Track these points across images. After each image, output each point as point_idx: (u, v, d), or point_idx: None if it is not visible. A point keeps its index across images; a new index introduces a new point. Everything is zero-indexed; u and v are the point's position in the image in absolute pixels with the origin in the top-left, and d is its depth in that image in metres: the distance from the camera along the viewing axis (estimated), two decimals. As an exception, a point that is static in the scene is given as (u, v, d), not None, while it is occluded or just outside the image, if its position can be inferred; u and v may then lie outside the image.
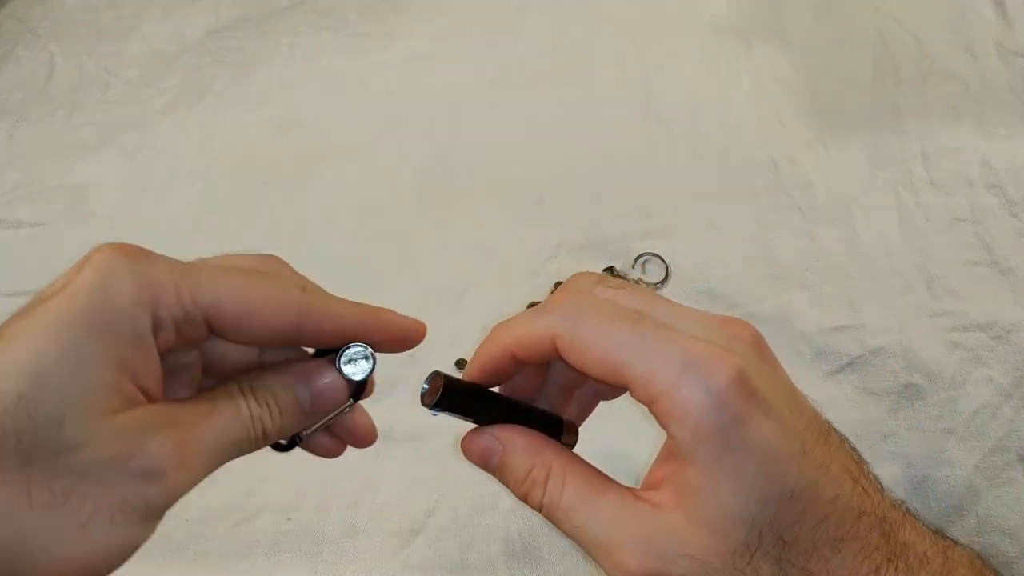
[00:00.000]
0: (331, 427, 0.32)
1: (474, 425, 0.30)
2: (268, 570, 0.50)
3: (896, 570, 0.26)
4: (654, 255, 0.61)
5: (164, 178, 0.74)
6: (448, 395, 0.28)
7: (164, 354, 0.26)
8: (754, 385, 0.25)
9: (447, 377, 0.29)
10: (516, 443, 0.29)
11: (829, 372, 0.53)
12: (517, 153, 0.70)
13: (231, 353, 0.30)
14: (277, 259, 0.30)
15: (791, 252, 0.59)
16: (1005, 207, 0.59)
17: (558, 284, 0.60)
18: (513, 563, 0.49)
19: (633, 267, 0.60)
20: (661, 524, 0.26)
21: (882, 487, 0.28)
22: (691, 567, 0.25)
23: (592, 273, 0.30)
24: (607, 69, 0.75)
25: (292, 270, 0.30)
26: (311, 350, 0.32)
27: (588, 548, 0.27)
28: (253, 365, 0.30)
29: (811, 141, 0.66)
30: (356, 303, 0.30)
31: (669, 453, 0.28)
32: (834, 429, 0.28)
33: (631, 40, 0.77)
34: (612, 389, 0.28)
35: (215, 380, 0.30)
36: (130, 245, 0.26)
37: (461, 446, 0.30)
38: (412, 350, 0.61)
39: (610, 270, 0.59)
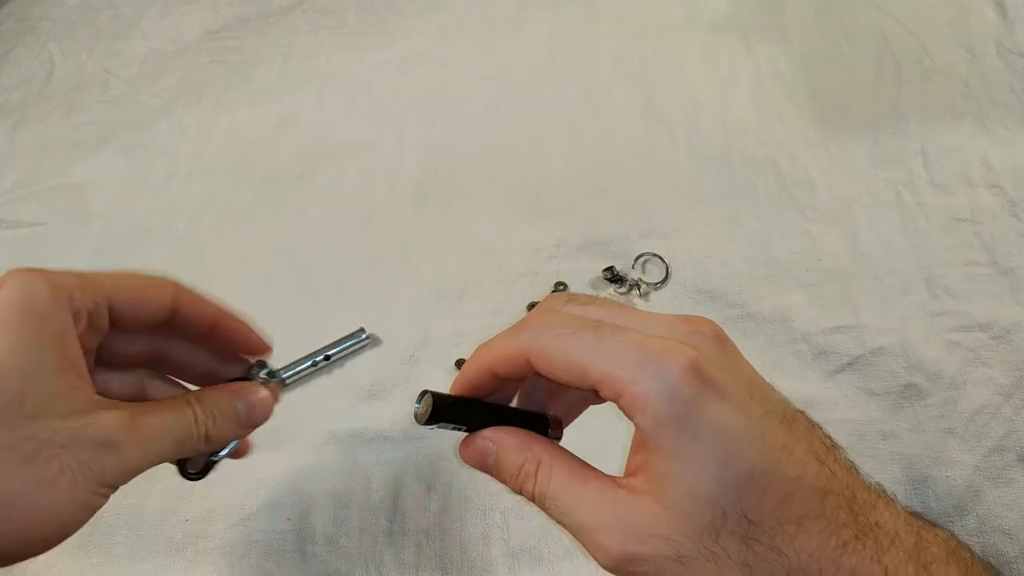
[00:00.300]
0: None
1: (467, 433, 0.32)
2: (268, 570, 0.50)
3: (864, 547, 0.27)
4: (654, 255, 0.61)
5: (163, 177, 0.74)
6: (438, 410, 0.31)
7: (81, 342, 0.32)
8: (708, 373, 0.27)
9: (435, 395, 0.31)
10: (507, 442, 0.31)
11: (829, 372, 0.53)
12: (517, 153, 0.70)
13: (112, 383, 0.37)
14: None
15: (791, 252, 0.59)
16: (1005, 207, 0.59)
17: (558, 284, 0.60)
18: (513, 563, 0.49)
19: (633, 267, 0.60)
20: (636, 508, 0.28)
21: (856, 470, 0.29)
22: (662, 547, 0.27)
23: (564, 294, 0.34)
24: (607, 68, 0.75)
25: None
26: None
27: (574, 533, 0.29)
28: (136, 395, 0.38)
29: (812, 140, 0.66)
30: (222, 307, 0.38)
31: (639, 443, 0.30)
32: (803, 416, 0.30)
33: (631, 39, 0.77)
34: (595, 395, 0.30)
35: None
36: (30, 268, 0.31)
37: (459, 452, 0.32)
38: (413, 350, 0.61)
39: (610, 270, 0.59)
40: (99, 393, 0.34)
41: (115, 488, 0.31)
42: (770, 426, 0.28)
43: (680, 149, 0.68)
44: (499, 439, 0.32)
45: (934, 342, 0.53)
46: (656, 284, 0.59)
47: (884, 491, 0.29)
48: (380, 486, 0.52)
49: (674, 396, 0.27)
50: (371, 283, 0.63)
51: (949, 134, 0.64)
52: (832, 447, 0.29)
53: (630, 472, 0.30)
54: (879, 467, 0.49)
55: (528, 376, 0.32)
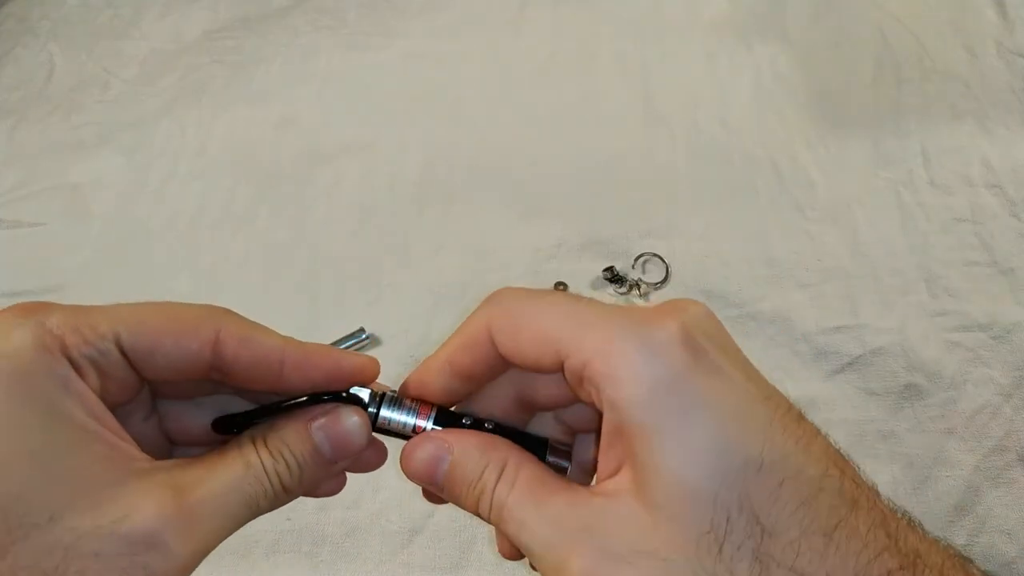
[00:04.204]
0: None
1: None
2: (268, 570, 0.50)
3: None
4: (654, 255, 0.61)
5: (163, 177, 0.74)
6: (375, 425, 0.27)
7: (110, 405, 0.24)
8: (700, 342, 0.22)
9: (374, 394, 0.27)
10: (468, 442, 0.26)
11: (829, 372, 0.53)
12: (517, 152, 0.70)
13: (186, 417, 0.28)
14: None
15: (791, 252, 0.59)
16: (1005, 207, 0.59)
17: (558, 284, 0.60)
18: (512, 563, 0.49)
19: (633, 267, 0.60)
20: (614, 515, 0.22)
21: (877, 492, 0.23)
22: (649, 568, 0.20)
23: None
24: (607, 68, 0.75)
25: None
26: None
27: (533, 556, 0.23)
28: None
29: (812, 140, 0.66)
30: (291, 339, 0.27)
31: (614, 432, 0.23)
32: (806, 418, 0.24)
33: (632, 39, 0.77)
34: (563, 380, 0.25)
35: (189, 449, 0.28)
36: (25, 303, 0.24)
37: (401, 459, 0.27)
38: (413, 350, 0.61)
39: (610, 270, 0.59)
40: (167, 437, 0.27)
41: None
42: (777, 413, 0.22)
43: (680, 149, 0.68)
44: (458, 439, 0.26)
45: (934, 342, 0.53)
46: (656, 284, 0.59)
47: (911, 518, 0.23)
48: (380, 486, 0.52)
49: (658, 359, 0.22)
50: (371, 283, 0.63)
51: (949, 134, 0.64)
52: (848, 459, 0.23)
53: (606, 475, 0.24)
54: (879, 467, 0.49)
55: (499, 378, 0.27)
